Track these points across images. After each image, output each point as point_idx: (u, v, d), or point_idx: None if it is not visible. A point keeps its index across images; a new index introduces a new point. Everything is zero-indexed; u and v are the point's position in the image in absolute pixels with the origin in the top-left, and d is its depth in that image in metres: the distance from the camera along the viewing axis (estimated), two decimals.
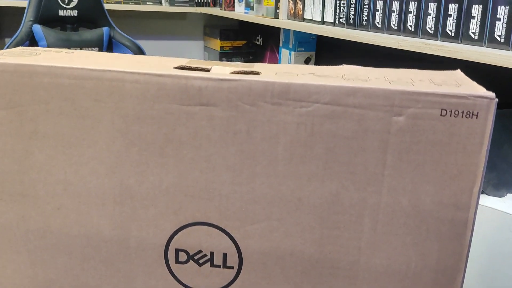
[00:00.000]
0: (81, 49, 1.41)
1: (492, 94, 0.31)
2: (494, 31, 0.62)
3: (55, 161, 0.37)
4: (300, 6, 1.12)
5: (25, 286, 0.40)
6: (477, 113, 0.31)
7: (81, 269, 0.39)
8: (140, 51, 1.51)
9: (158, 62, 0.38)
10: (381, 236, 0.35)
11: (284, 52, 1.45)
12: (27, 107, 0.36)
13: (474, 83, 0.34)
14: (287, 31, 1.43)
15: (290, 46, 1.41)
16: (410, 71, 0.39)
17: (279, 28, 1.62)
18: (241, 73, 0.36)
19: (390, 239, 0.35)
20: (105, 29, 1.46)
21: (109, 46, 1.50)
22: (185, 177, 0.36)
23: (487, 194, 0.54)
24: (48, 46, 1.37)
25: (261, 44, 1.83)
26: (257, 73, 0.36)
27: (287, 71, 0.37)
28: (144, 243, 0.38)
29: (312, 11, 1.06)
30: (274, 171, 0.35)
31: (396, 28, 0.80)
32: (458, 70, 0.39)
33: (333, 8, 0.98)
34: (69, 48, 1.42)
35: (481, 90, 0.32)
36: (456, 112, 0.32)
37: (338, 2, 0.95)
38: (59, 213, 0.38)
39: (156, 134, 0.35)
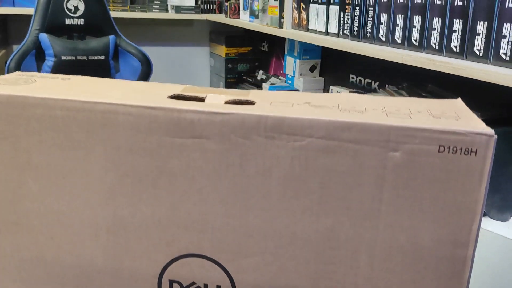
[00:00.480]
0: (87, 58, 1.41)
1: (491, 131, 0.30)
2: (499, 49, 0.61)
3: (48, 191, 0.36)
4: (304, 16, 1.11)
5: None
6: (476, 150, 0.30)
7: None
8: (145, 59, 1.51)
9: (153, 90, 0.38)
10: (378, 272, 0.34)
11: (289, 60, 1.45)
12: (21, 138, 0.35)
13: (474, 116, 0.33)
14: (292, 39, 1.42)
15: (295, 54, 1.40)
16: (409, 99, 0.38)
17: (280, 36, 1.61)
18: (236, 103, 0.36)
19: (387, 276, 0.34)
20: (111, 38, 1.46)
21: (115, 54, 1.50)
22: (178, 209, 0.35)
23: (491, 218, 0.53)
24: (55, 55, 1.37)
25: (267, 50, 1.82)
26: (251, 102, 0.36)
27: (283, 100, 0.36)
28: (137, 274, 0.37)
29: (316, 22, 1.05)
30: (268, 205, 0.34)
31: (400, 42, 0.79)
32: (459, 99, 0.38)
33: (337, 20, 0.97)
34: (75, 56, 1.42)
35: (480, 126, 0.31)
36: (454, 149, 0.31)
37: (342, 13, 0.95)
38: (53, 243, 0.37)
39: (149, 166, 0.35)
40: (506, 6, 0.60)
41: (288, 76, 1.47)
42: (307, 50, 1.38)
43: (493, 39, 0.62)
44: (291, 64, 1.42)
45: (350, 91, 1.22)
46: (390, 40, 0.82)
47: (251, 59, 1.84)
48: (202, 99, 0.37)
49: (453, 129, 0.31)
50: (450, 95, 0.93)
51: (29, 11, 1.61)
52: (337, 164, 0.32)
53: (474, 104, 0.81)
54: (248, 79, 1.75)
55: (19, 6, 1.58)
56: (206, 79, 2.06)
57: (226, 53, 1.80)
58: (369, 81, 1.22)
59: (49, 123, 0.35)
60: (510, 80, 0.57)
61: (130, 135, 0.34)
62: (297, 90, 1.41)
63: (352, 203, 0.33)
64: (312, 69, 1.39)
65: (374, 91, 1.16)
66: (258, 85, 1.68)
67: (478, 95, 0.85)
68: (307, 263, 0.35)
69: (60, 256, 0.38)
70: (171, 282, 0.37)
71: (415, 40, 0.75)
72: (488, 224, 0.51)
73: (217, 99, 0.37)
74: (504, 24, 0.61)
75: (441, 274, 0.33)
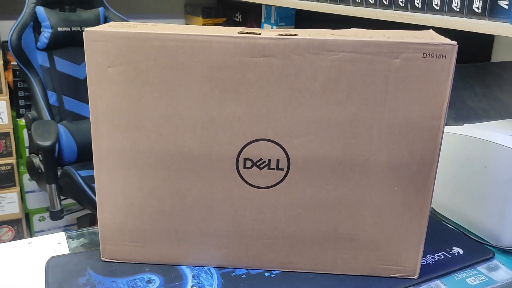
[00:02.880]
0: (81, 28, 1.52)
1: (454, 42, 0.49)
2: (452, 2, 0.81)
3: (160, 101, 0.52)
4: None
5: (132, 192, 0.56)
6: (445, 55, 0.49)
7: (176, 178, 0.55)
8: None
9: (224, 30, 0.54)
10: (384, 141, 0.52)
11: (267, 27, 1.61)
12: (141, 63, 0.51)
13: (442, 37, 0.52)
14: (268, 8, 1.58)
15: (272, 21, 1.57)
16: (400, 31, 0.56)
17: (258, 5, 1.77)
18: (285, 35, 0.53)
19: (390, 143, 0.53)
20: (100, 9, 1.57)
21: None
22: (252, 107, 0.52)
23: (449, 125, 0.73)
24: (51, 27, 1.47)
25: (241, 20, 1.97)
26: (296, 34, 0.53)
27: (316, 33, 0.53)
28: (222, 155, 0.54)
29: None
30: (313, 100, 0.52)
31: (373, 2, 0.98)
32: (431, 30, 0.57)
33: None
34: (70, 28, 1.53)
35: (447, 40, 0.50)
36: (433, 55, 0.49)
37: None
38: (161, 138, 0.54)
39: (232, 78, 0.51)
40: None
41: None
42: (282, 17, 1.55)
43: None
44: None
45: None
46: (364, 2, 1.00)
47: None
48: (259, 34, 0.53)
49: (431, 42, 0.49)
50: None
51: None
52: (359, 69, 0.50)
53: None
54: None
55: None
56: None
57: (203, 24, 1.94)
58: None
59: (163, 51, 0.51)
60: (460, 25, 0.77)
61: (220, 56, 0.51)
62: None
63: (368, 95, 0.51)
64: None
65: None
66: None
67: None
68: (338, 139, 0.53)
69: (166, 148, 0.54)
70: (245, 160, 0.54)
71: (386, 0, 0.94)
72: (448, 129, 0.71)
73: (271, 34, 0.53)
74: None
75: (424, 139, 0.52)
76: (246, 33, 0.53)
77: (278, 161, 0.54)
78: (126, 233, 0.58)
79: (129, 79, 0.52)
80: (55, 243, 0.63)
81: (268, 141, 0.53)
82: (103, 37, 0.50)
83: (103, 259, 0.59)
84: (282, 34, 0.52)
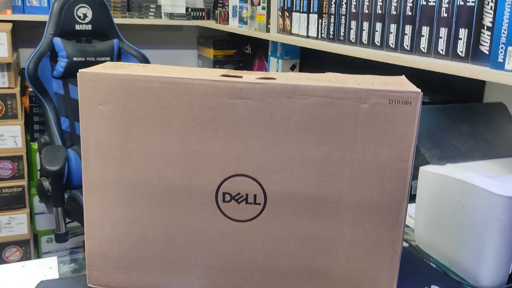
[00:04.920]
0: (95, 59, 1.59)
1: (419, 90, 0.52)
2: (438, 46, 0.84)
3: (145, 136, 0.56)
4: (288, 22, 1.33)
5: (118, 220, 0.59)
6: (410, 102, 0.52)
7: (158, 209, 0.58)
8: (145, 60, 1.70)
9: (208, 72, 0.58)
10: (355, 180, 0.55)
11: (273, 60, 1.66)
12: (128, 101, 0.55)
13: (410, 84, 0.55)
14: (275, 42, 1.64)
15: (278, 55, 1.62)
16: (373, 76, 0.60)
17: (267, 39, 1.82)
18: (264, 78, 0.56)
19: (360, 182, 0.55)
20: (115, 41, 1.65)
21: (118, 55, 1.68)
22: (230, 144, 0.56)
23: (433, 164, 0.75)
24: (67, 57, 1.54)
25: (250, 52, 2.03)
26: (274, 78, 0.57)
27: (293, 77, 0.57)
28: (202, 189, 0.57)
29: (298, 27, 1.27)
30: (287, 139, 0.55)
31: (366, 42, 1.02)
32: (403, 76, 0.60)
33: (316, 26, 1.19)
34: (85, 58, 1.60)
35: (413, 88, 0.53)
36: (398, 101, 0.52)
37: (320, 20, 1.17)
38: (146, 171, 0.57)
39: (212, 117, 0.55)
40: (441, 15, 0.83)
41: None
42: (288, 51, 1.59)
43: (434, 39, 0.85)
44: (274, 64, 1.64)
45: None
46: (359, 42, 1.04)
47: (236, 60, 2.05)
48: (240, 77, 0.57)
49: (397, 89, 0.52)
50: None
51: (34, 17, 1.78)
52: (330, 112, 0.53)
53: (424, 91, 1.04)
54: None
55: (28, 13, 1.75)
56: None
57: (214, 55, 2.00)
58: None
59: (149, 91, 0.55)
60: (445, 68, 0.80)
61: (201, 97, 0.54)
62: None
63: (339, 136, 0.54)
64: (292, 68, 1.61)
65: None
66: None
67: (424, 84, 1.08)
68: (311, 176, 0.56)
69: (150, 180, 0.57)
70: (224, 194, 0.57)
71: (377, 41, 0.98)
72: (431, 168, 0.73)
73: (251, 77, 0.57)
74: (441, 28, 0.83)
75: (393, 179, 0.55)
76: (228, 76, 0.57)
77: (255, 196, 0.57)
78: (111, 260, 0.61)
79: (118, 116, 0.56)
80: (46, 267, 0.67)
81: (246, 177, 0.56)
82: (95, 77, 0.55)
83: (89, 285, 0.62)
84: (260, 78, 0.56)
